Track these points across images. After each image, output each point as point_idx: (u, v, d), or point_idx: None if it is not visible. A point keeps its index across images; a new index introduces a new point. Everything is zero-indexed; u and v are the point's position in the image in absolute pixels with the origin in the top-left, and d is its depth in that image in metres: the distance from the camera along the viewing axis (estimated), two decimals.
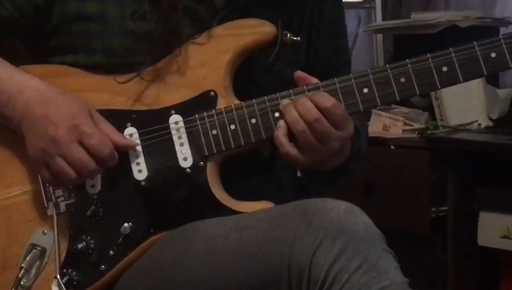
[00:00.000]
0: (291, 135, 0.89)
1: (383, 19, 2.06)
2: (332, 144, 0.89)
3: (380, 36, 2.05)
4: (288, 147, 0.89)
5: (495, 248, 1.59)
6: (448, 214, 1.64)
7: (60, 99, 0.90)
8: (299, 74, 0.92)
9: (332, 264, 0.77)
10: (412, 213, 1.66)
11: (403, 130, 1.73)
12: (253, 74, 0.96)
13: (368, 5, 2.07)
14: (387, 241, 0.82)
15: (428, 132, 1.71)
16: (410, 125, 1.74)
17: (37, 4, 0.94)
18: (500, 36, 0.91)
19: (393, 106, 1.77)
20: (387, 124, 1.73)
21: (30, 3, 0.94)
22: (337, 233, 0.78)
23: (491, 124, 1.72)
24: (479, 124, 1.73)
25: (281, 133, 0.89)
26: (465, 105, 1.72)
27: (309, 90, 0.91)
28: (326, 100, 0.88)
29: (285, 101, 0.90)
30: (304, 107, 0.88)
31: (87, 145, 0.88)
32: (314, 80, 0.92)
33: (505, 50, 0.90)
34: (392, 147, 1.72)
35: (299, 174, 1.03)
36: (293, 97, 0.91)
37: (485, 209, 1.59)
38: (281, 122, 0.90)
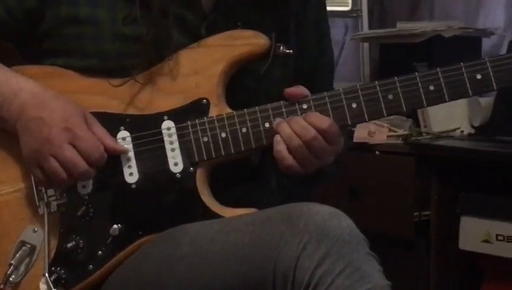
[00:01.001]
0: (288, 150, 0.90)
1: (370, 27, 2.08)
2: (327, 158, 0.92)
3: (366, 44, 2.08)
4: (291, 161, 0.90)
5: (476, 251, 1.61)
6: (431, 218, 1.65)
7: (54, 102, 0.90)
8: (290, 91, 0.92)
9: (317, 267, 0.78)
10: (395, 217, 1.68)
11: (388, 136, 1.75)
12: (244, 81, 0.97)
13: (355, 14, 2.09)
14: (372, 245, 0.83)
15: (413, 138, 1.73)
16: (395, 131, 1.76)
17: (28, 8, 0.94)
18: (486, 58, 0.92)
19: None
20: (373, 130, 1.76)
21: (22, 6, 0.94)
22: (322, 237, 0.79)
23: (473, 131, 1.75)
24: (462, 131, 1.75)
25: (282, 147, 0.90)
26: (448, 113, 1.75)
27: (299, 103, 0.92)
28: (322, 121, 0.90)
29: (278, 120, 0.91)
30: (299, 125, 0.90)
31: (78, 148, 0.89)
32: (305, 92, 0.93)
33: (490, 72, 0.92)
34: (377, 152, 1.74)
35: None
36: (284, 110, 0.92)
37: (467, 214, 1.62)
38: (278, 137, 0.90)
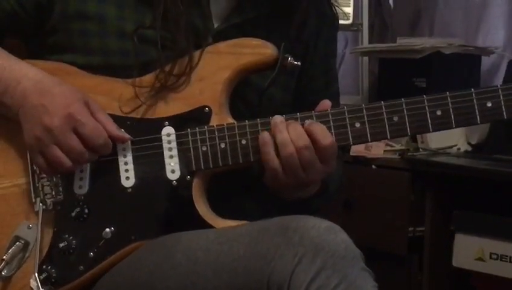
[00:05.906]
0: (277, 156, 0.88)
1: (370, 42, 2.09)
2: (314, 175, 0.89)
3: (365, 58, 2.08)
4: (277, 164, 0.88)
5: (469, 269, 1.61)
6: (425, 235, 1.66)
7: (56, 88, 0.90)
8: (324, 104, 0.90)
9: (311, 282, 0.78)
10: (389, 232, 1.68)
11: (385, 151, 1.75)
12: (245, 93, 0.97)
13: (356, 28, 2.09)
14: (364, 259, 0.83)
15: (409, 153, 1.73)
16: (392, 146, 1.77)
17: (39, 1, 0.94)
18: (498, 86, 0.89)
19: None
20: (370, 144, 1.76)
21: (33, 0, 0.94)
22: (317, 251, 0.79)
23: (470, 148, 1.75)
24: (458, 149, 1.76)
25: (270, 149, 0.88)
26: None
27: (302, 119, 0.90)
28: (325, 137, 0.88)
29: (278, 119, 0.89)
30: (296, 131, 0.88)
31: (81, 134, 0.89)
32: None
33: (502, 101, 0.88)
34: (373, 166, 1.74)
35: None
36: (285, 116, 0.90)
37: (461, 231, 1.62)
38: (266, 136, 0.89)
